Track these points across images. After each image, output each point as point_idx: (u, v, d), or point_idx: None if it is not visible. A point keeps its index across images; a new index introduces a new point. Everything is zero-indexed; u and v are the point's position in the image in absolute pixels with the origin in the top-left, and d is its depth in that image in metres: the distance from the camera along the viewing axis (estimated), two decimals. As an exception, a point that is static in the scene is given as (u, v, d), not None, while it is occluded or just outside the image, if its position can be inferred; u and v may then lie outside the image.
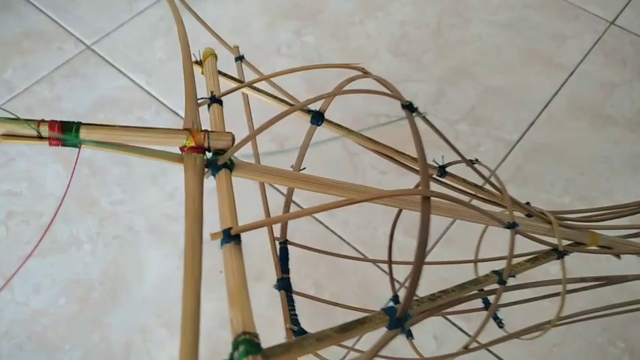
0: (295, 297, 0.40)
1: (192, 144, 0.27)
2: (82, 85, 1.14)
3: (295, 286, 0.41)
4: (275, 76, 0.36)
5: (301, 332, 0.36)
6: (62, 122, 0.24)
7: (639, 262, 0.70)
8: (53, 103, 1.12)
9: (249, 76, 0.48)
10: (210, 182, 0.30)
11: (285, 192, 0.65)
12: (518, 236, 0.38)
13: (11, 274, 0.91)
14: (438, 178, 0.47)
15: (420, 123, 0.33)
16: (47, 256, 0.92)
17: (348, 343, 0.76)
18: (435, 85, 1.15)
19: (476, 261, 0.58)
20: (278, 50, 1.21)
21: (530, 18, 1.26)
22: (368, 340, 0.77)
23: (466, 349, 0.40)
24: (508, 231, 0.38)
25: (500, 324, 0.51)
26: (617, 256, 0.48)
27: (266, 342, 0.22)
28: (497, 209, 0.49)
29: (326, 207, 0.25)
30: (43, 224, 0.96)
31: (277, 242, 0.42)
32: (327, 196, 0.32)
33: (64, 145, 0.25)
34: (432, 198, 0.26)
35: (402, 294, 0.24)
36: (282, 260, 0.40)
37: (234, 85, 0.37)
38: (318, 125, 0.39)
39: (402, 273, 0.80)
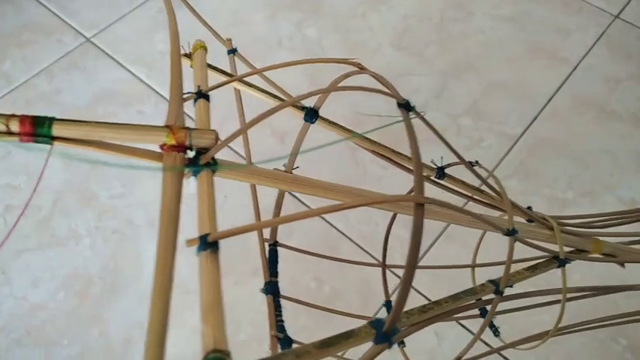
0: (290, 294, 0.39)
1: (173, 142, 0.25)
2: (81, 77, 1.14)
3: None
4: (267, 70, 0.35)
5: (287, 340, 0.34)
6: (34, 117, 0.23)
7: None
8: (52, 96, 1.11)
9: (244, 70, 0.47)
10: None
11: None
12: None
13: (8, 266, 0.90)
14: (436, 180, 0.45)
15: (418, 121, 0.32)
16: (46, 250, 0.92)
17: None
18: (437, 78, 1.14)
19: (473, 266, 0.56)
20: (279, 43, 1.20)
21: (534, 11, 1.25)
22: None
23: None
24: (507, 234, 0.37)
25: (496, 332, 0.49)
26: (622, 264, 0.46)
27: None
28: (497, 213, 0.47)
29: (317, 212, 0.23)
30: (41, 218, 0.95)
31: (267, 244, 0.40)
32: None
33: (36, 141, 0.23)
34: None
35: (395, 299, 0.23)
36: (271, 263, 0.38)
37: (225, 79, 0.35)
38: (312, 123, 0.36)
39: (401, 271, 0.79)
